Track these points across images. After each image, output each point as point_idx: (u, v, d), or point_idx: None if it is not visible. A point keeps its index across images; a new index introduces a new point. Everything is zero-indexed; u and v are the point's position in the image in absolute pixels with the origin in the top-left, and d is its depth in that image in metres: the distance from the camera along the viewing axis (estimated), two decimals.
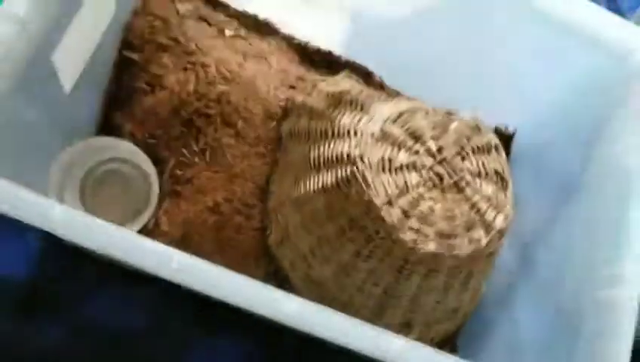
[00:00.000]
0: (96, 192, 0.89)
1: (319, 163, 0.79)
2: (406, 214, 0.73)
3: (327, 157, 0.78)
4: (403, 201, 0.73)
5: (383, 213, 0.72)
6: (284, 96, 0.93)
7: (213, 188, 0.89)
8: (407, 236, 0.72)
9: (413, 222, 0.73)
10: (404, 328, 0.84)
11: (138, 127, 0.89)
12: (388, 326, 0.81)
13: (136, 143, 0.89)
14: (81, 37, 0.75)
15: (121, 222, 0.88)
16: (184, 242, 0.87)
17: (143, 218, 0.85)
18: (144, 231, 0.87)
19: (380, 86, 1.02)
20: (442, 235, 0.73)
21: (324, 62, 1.01)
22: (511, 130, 1.04)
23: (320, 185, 0.78)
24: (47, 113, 0.76)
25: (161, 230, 0.88)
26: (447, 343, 0.93)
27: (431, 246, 0.72)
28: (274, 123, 0.92)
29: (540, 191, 0.97)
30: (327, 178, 0.77)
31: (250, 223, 0.88)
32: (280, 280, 0.87)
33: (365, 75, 1.01)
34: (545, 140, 1.01)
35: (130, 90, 0.91)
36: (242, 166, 0.90)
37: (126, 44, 0.90)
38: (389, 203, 0.72)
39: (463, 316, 0.89)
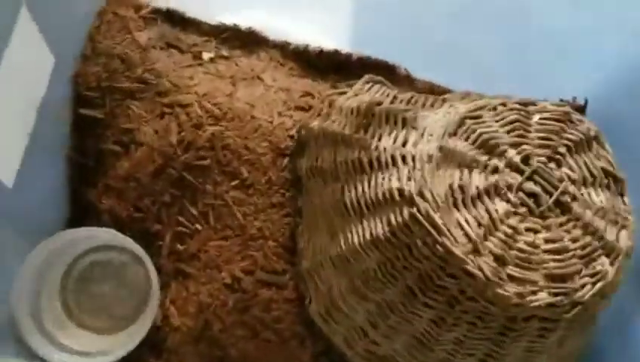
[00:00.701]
0: (82, 294, 0.69)
1: (360, 207, 0.59)
2: (500, 260, 0.52)
3: (371, 199, 0.58)
4: (493, 243, 0.53)
5: (469, 267, 0.51)
6: (293, 123, 0.73)
7: (228, 260, 0.69)
8: (508, 290, 0.52)
9: (513, 270, 0.52)
10: None
11: (117, 202, 0.69)
12: None
13: (120, 222, 0.69)
14: (9, 106, 0.55)
15: (122, 326, 0.69)
16: (204, 335, 0.67)
17: (147, 316, 0.65)
18: (153, 331, 0.67)
19: (408, 80, 0.81)
20: (555, 278, 0.53)
21: (332, 65, 0.80)
22: (580, 101, 0.81)
23: (368, 236, 0.58)
24: None
25: (173, 325, 0.68)
26: None
27: (543, 298, 0.52)
28: (286, 160, 0.71)
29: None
30: (377, 226, 0.57)
31: (282, 295, 0.68)
32: (334, 360, 0.67)
33: (387, 71, 0.80)
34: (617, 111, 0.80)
35: (99, 156, 0.71)
36: (258, 224, 0.69)
37: (80, 99, 0.70)
38: (475, 250, 0.52)
39: (576, 359, 0.69)
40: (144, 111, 0.70)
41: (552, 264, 0.53)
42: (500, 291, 0.51)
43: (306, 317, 0.68)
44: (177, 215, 0.70)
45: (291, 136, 0.72)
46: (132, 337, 0.65)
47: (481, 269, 0.51)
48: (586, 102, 0.81)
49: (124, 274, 0.70)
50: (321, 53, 0.80)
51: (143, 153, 0.69)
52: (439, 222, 0.52)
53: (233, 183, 0.70)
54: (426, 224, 0.53)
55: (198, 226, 0.70)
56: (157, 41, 0.74)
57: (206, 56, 0.75)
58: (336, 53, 0.80)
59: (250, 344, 0.67)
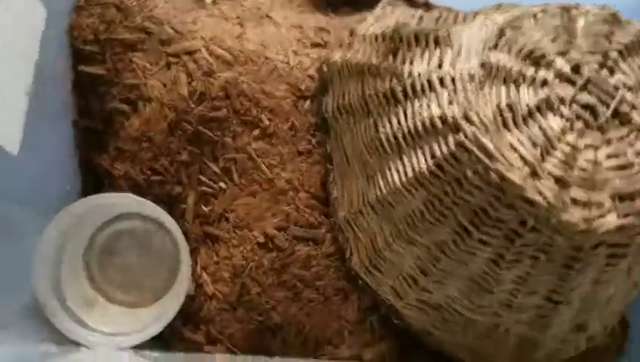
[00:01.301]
0: (108, 268, 0.65)
1: (398, 142, 0.53)
2: (562, 182, 0.46)
3: (409, 131, 0.51)
4: (551, 164, 0.46)
5: (527, 193, 0.45)
6: (310, 61, 0.66)
7: (258, 217, 0.63)
8: (574, 215, 0.45)
9: (577, 192, 0.46)
10: (574, 333, 0.57)
11: (132, 166, 0.64)
12: (553, 338, 0.56)
13: (137, 187, 0.64)
14: (1, 63, 0.50)
15: (153, 299, 0.64)
16: (242, 300, 0.62)
17: (179, 286, 0.60)
18: (186, 302, 0.63)
19: (427, 6, 0.73)
20: (623, 197, 0.46)
21: None
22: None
23: (410, 173, 0.51)
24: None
25: (207, 293, 0.63)
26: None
27: (612, 221, 0.46)
28: (308, 102, 0.65)
29: None
30: (419, 161, 0.51)
31: (320, 249, 0.63)
32: (383, 314, 0.62)
33: None
34: None
35: (106, 118, 0.66)
36: (286, 175, 0.64)
37: (78, 55, 0.64)
38: (533, 173, 0.45)
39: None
40: (148, 64, 0.64)
41: (617, 182, 0.46)
42: (565, 217, 0.45)
43: (348, 271, 0.62)
44: (198, 174, 0.64)
45: (311, 76, 0.65)
46: (165, 310, 0.60)
47: (542, 194, 0.45)
48: None
49: (150, 243, 0.65)
50: None
51: (153, 109, 0.64)
52: (490, 146, 0.46)
53: (254, 133, 0.64)
54: (476, 150, 0.46)
55: (222, 184, 0.64)
56: None
57: None
58: None
59: (292, 305, 0.62)
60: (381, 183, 0.55)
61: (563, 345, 0.58)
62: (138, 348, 0.59)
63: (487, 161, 0.46)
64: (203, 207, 0.64)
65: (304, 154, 0.64)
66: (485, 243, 0.49)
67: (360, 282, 0.61)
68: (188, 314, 0.63)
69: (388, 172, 0.54)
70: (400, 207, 0.54)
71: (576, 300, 0.53)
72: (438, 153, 0.49)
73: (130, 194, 0.60)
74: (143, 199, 0.60)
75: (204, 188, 0.64)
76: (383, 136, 0.54)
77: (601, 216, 0.46)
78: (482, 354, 0.58)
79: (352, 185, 0.59)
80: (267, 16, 0.68)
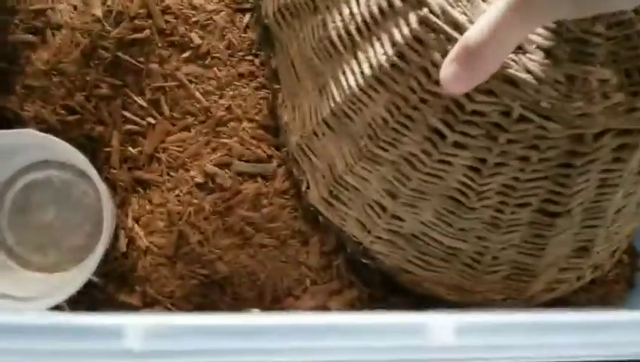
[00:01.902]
0: (21, 228, 0.55)
1: (351, 37, 0.44)
2: (552, 55, 0.37)
3: (363, 20, 0.42)
4: (536, 34, 0.38)
5: (511, 70, 0.37)
6: None
7: (195, 154, 0.54)
8: (571, 95, 0.37)
9: (571, 67, 0.38)
10: (576, 258, 0.49)
11: (43, 105, 0.54)
12: (550, 265, 0.47)
13: (51, 130, 0.54)
14: None
15: (76, 259, 0.54)
16: (182, 252, 0.53)
17: (102, 240, 0.50)
18: (118, 260, 0.53)
19: None
20: (630, 71, 0.39)
21: None
22: None
23: (367, 71, 0.43)
24: None
25: (141, 247, 0.53)
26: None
27: (619, 100, 0.38)
28: (247, 16, 0.56)
29: None
30: (377, 54, 0.42)
31: (271, 186, 0.54)
32: (349, 255, 0.53)
33: None
34: None
35: (9, 52, 0.55)
36: (225, 102, 0.54)
37: None
38: (517, 47, 0.37)
39: None
40: None
41: (621, 51, 0.38)
42: (558, 98, 0.37)
43: (306, 208, 0.53)
44: (122, 110, 0.54)
45: None
46: (82, 271, 0.50)
47: (528, 71, 0.37)
48: None
49: (69, 195, 0.55)
50: None
51: (64, 37, 0.54)
52: (461, 19, 0.37)
53: (184, 55, 0.54)
54: (445, 27, 0.38)
55: (151, 120, 0.54)
56: None
57: None
58: None
59: (241, 253, 0.53)
60: (335, 92, 0.46)
61: (563, 275, 0.49)
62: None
63: (458, 37, 0.37)
64: (130, 149, 0.55)
65: (245, 77, 0.55)
66: (462, 146, 0.41)
67: (321, 219, 0.52)
68: (121, 275, 0.54)
69: (342, 77, 0.45)
70: (359, 117, 0.45)
71: (578, 211, 0.45)
72: (398, 38, 0.40)
73: (38, 132, 0.50)
74: (52, 137, 0.50)
75: (130, 127, 0.55)
76: (333, 33, 0.45)
77: (605, 95, 0.38)
78: (468, 289, 0.49)
79: (304, 103, 0.50)
80: None
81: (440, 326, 0.32)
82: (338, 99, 0.45)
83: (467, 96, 0.38)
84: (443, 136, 0.41)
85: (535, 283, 0.49)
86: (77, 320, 0.32)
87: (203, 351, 0.31)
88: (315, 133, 0.49)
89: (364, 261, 0.51)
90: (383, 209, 0.48)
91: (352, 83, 0.44)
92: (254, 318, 0.35)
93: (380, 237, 0.49)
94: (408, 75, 0.40)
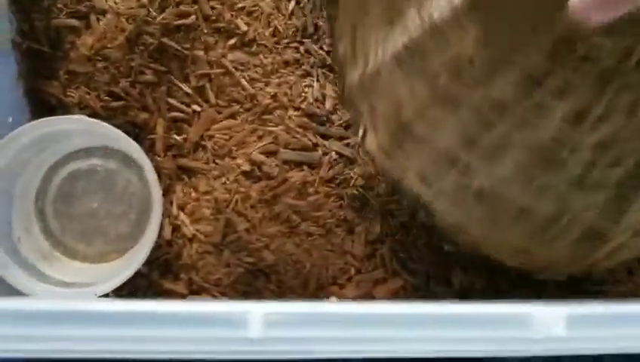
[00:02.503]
0: (65, 216, 0.55)
1: None
2: None
3: None
4: None
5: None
6: None
7: (241, 142, 0.54)
8: None
9: None
10: None
11: (87, 91, 0.54)
12: (626, 229, 0.44)
13: (95, 116, 0.53)
14: None
15: (122, 249, 0.55)
16: (228, 240, 0.53)
17: (149, 231, 0.50)
18: (163, 249, 0.53)
19: None
20: None
21: None
22: None
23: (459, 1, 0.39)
24: None
25: (187, 235, 0.53)
26: None
27: None
28: (293, 2, 0.55)
29: None
30: None
31: (317, 174, 0.53)
32: (393, 246, 0.52)
33: None
34: None
35: (53, 37, 0.55)
36: (271, 90, 0.54)
37: None
38: None
39: None
40: None
41: None
42: None
43: (353, 196, 0.53)
44: (167, 97, 0.54)
45: None
46: (131, 261, 0.50)
47: None
48: None
49: (114, 184, 0.55)
50: None
51: (108, 22, 0.53)
52: None
53: (230, 42, 0.54)
54: None
55: (196, 107, 0.54)
56: None
57: None
58: None
59: (288, 241, 0.53)
60: (413, 21, 0.41)
61: (633, 241, 0.47)
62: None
63: None
64: (175, 136, 0.54)
65: (291, 65, 0.54)
66: (564, 93, 0.36)
67: (367, 207, 0.52)
68: (166, 263, 0.54)
69: (427, 2, 0.39)
70: (439, 54, 0.40)
71: None
72: None
73: (84, 117, 0.50)
74: (99, 121, 0.50)
75: (175, 114, 0.54)
76: None
77: None
78: (533, 254, 0.46)
79: (369, 34, 0.45)
80: None
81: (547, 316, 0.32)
82: (415, 31, 0.40)
83: (581, 36, 0.34)
84: (541, 82, 0.37)
85: (602, 249, 0.45)
86: (194, 307, 0.32)
87: (320, 338, 0.31)
88: (381, 71, 0.44)
89: (423, 219, 0.49)
90: (454, 160, 0.43)
91: (436, 14, 0.39)
92: (370, 307, 0.35)
93: (444, 192, 0.45)
94: None
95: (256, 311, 0.31)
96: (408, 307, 0.33)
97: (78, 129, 0.51)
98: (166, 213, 0.54)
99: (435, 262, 0.55)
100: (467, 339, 0.32)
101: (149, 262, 0.54)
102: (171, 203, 0.54)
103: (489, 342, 0.32)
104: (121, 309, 0.32)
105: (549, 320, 0.32)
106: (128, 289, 0.53)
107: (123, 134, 0.49)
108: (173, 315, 0.31)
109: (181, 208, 0.54)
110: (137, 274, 0.53)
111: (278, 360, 0.32)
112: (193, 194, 0.54)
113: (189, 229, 0.54)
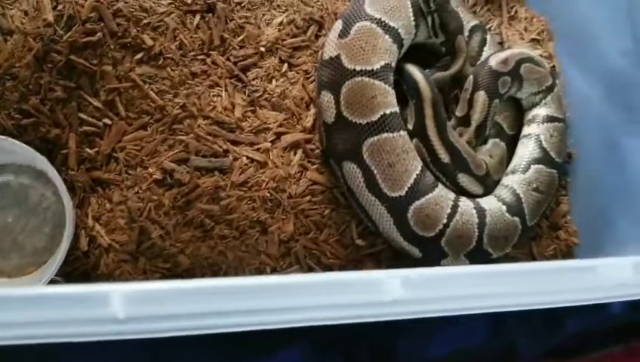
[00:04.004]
0: None
1: None
2: None
3: None
4: None
5: None
6: None
7: (152, 152, 0.55)
8: None
9: None
10: None
11: None
12: None
13: (8, 134, 0.54)
14: None
15: (38, 262, 0.55)
16: (143, 247, 0.54)
17: (62, 243, 0.51)
18: (80, 260, 0.54)
19: None
20: None
21: None
22: None
23: None
24: None
25: (103, 245, 0.54)
26: None
27: None
28: (198, 17, 0.57)
29: None
30: None
31: (228, 179, 0.55)
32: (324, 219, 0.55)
33: None
34: None
35: None
36: (180, 100, 0.56)
37: None
38: None
39: None
40: None
41: None
42: None
43: (265, 199, 0.55)
44: (78, 112, 0.55)
45: None
46: (44, 273, 0.51)
47: None
48: None
49: (27, 199, 0.56)
50: None
51: (16, 42, 0.54)
52: None
53: (137, 57, 0.56)
54: None
55: (107, 120, 0.56)
56: None
57: None
58: None
59: (202, 245, 0.54)
60: None
61: None
62: None
63: None
64: (88, 150, 0.56)
65: (199, 76, 0.57)
66: None
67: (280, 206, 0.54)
68: (84, 274, 0.55)
69: None
70: None
71: None
72: None
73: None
74: (6, 138, 0.51)
75: (87, 128, 0.56)
76: None
77: None
78: None
79: None
80: None
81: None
82: None
83: None
84: None
85: None
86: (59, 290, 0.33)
87: (188, 314, 0.33)
88: None
89: None
90: None
91: None
92: (233, 281, 0.38)
93: None
94: None
95: (118, 290, 0.33)
96: (263, 280, 0.35)
97: None
98: (81, 225, 0.55)
99: (348, 257, 0.58)
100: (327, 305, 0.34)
101: (68, 273, 0.54)
102: (86, 215, 0.55)
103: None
104: None
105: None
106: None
107: (32, 150, 0.50)
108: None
109: (96, 219, 0.55)
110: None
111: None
112: (107, 205, 0.55)
113: (104, 239, 0.55)
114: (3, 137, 0.50)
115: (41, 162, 0.52)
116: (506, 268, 0.42)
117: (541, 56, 0.69)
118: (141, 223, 0.54)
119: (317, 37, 0.61)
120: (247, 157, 0.56)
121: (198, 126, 0.56)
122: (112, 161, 0.56)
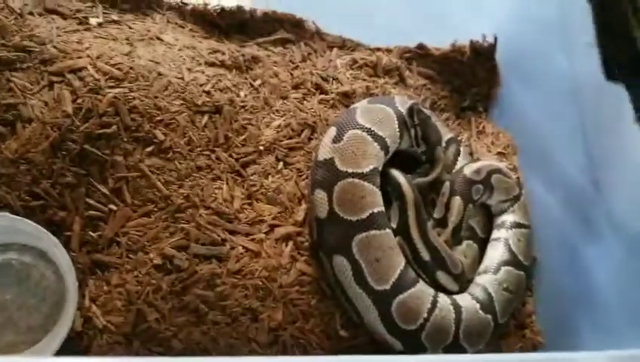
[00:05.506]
0: None
1: None
2: None
3: None
4: None
5: None
6: (206, 78, 0.65)
7: (154, 238, 0.59)
8: None
9: None
10: None
11: (8, 190, 0.57)
12: None
13: (15, 214, 0.57)
14: None
15: (32, 340, 0.56)
16: (138, 330, 0.56)
17: (62, 324, 0.53)
18: (74, 340, 0.56)
19: (319, 35, 0.76)
20: None
21: (235, 24, 0.74)
22: (489, 39, 0.81)
23: None
24: None
25: (97, 326, 0.56)
26: None
27: None
28: (206, 117, 0.63)
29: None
30: None
31: (224, 267, 0.59)
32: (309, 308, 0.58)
33: (295, 26, 0.75)
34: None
35: None
36: (184, 191, 0.60)
37: None
38: None
39: None
40: (28, 83, 0.59)
41: None
42: None
43: (257, 287, 0.59)
44: (85, 197, 0.59)
45: (207, 92, 0.64)
46: (42, 352, 0.52)
47: None
48: (496, 40, 0.80)
49: (28, 278, 0.57)
50: (222, 11, 0.73)
51: (34, 129, 0.58)
52: None
53: (148, 149, 0.60)
54: None
55: (112, 206, 0.59)
56: (34, 7, 0.64)
57: (93, 21, 0.66)
58: (239, 10, 0.74)
59: (195, 330, 0.57)
60: None
61: None
62: None
63: None
64: (91, 233, 0.58)
65: (204, 170, 0.61)
66: None
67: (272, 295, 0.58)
68: (75, 354, 0.56)
69: None
70: None
71: None
72: None
73: (6, 214, 0.53)
74: (17, 217, 0.53)
75: (92, 213, 0.59)
76: None
77: None
78: None
79: None
80: (158, 37, 0.67)
81: None
82: None
83: None
84: None
85: None
86: None
87: None
88: None
89: None
90: None
91: None
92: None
93: None
94: None
95: None
96: None
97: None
98: (78, 306, 0.57)
99: (332, 348, 0.60)
100: None
101: (58, 353, 0.55)
102: (84, 296, 0.57)
103: None
104: None
105: None
106: None
107: (43, 229, 0.53)
108: None
109: (93, 300, 0.57)
110: None
111: None
112: (105, 287, 0.58)
113: (100, 321, 0.56)
114: (17, 217, 0.53)
115: (47, 242, 0.54)
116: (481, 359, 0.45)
117: (507, 167, 0.76)
118: (138, 306, 0.56)
119: (310, 139, 0.67)
120: (243, 247, 0.60)
121: (200, 215, 0.60)
122: (114, 244, 0.59)
